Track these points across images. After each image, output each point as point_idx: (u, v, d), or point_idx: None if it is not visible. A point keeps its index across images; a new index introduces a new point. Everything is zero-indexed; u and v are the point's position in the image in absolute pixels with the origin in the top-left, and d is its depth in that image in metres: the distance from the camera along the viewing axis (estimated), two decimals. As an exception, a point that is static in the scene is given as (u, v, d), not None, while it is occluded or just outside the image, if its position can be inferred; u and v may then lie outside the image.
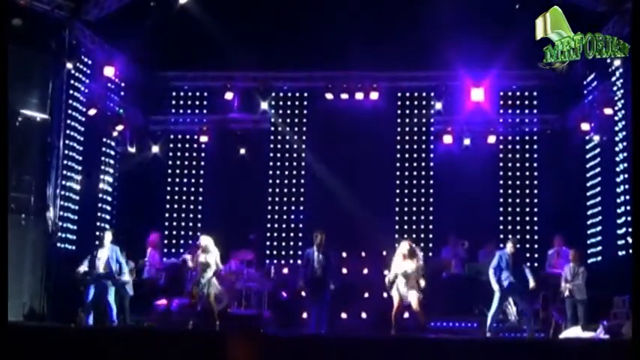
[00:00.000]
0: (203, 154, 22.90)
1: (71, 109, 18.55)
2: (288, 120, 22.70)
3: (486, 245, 18.86)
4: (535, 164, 21.84)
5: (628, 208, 16.69)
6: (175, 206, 22.67)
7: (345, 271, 19.18)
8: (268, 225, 22.18)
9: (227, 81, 21.86)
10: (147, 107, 22.24)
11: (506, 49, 18.98)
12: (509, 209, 21.67)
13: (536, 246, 20.82)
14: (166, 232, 22.22)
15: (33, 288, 16.83)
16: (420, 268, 15.06)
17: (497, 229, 21.13)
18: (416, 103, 22.37)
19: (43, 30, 17.37)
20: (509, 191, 21.80)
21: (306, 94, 22.75)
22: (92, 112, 19.16)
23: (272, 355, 11.15)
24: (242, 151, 22.16)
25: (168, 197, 22.63)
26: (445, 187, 21.57)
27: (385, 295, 15.80)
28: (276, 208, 22.34)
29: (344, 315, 18.44)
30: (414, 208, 21.91)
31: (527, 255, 20.36)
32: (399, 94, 22.39)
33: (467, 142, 21.43)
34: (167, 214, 22.55)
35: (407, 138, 22.25)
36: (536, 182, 21.74)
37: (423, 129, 22.28)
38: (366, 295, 18.88)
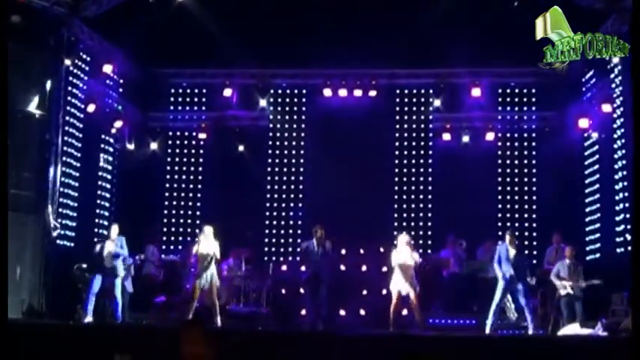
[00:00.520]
0: (202, 151, 22.88)
1: (70, 105, 18.54)
2: (287, 117, 22.69)
3: (485, 243, 18.86)
4: (533, 161, 21.85)
5: (626, 205, 16.70)
6: (174, 203, 22.66)
7: (343, 267, 19.19)
8: (267, 222, 22.17)
9: (226, 78, 21.86)
10: (145, 104, 22.24)
11: (505, 46, 18.99)
12: (508, 206, 21.68)
13: (534, 243, 20.83)
14: (165, 229, 22.22)
15: (32, 285, 16.85)
16: (416, 261, 15.25)
17: (496, 226, 21.11)
18: (414, 100, 22.36)
19: (41, 27, 17.35)
20: (508, 188, 21.81)
21: (304, 91, 22.74)
22: (91, 108, 19.14)
23: (271, 352, 11.17)
24: (241, 147, 22.17)
25: (166, 194, 22.62)
26: (444, 184, 21.59)
27: (384, 291, 15.82)
28: (275, 205, 22.33)
29: (342, 312, 18.45)
30: (413, 205, 21.92)
31: (526, 252, 20.34)
32: (398, 91, 22.38)
33: (465, 139, 21.46)
34: (166, 211, 22.54)
35: (405, 135, 22.25)
36: (534, 179, 21.74)
37: (422, 126, 22.27)
38: (365, 292, 18.89)
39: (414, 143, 22.21)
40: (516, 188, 21.79)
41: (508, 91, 22.08)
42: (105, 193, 20.54)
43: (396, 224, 21.66)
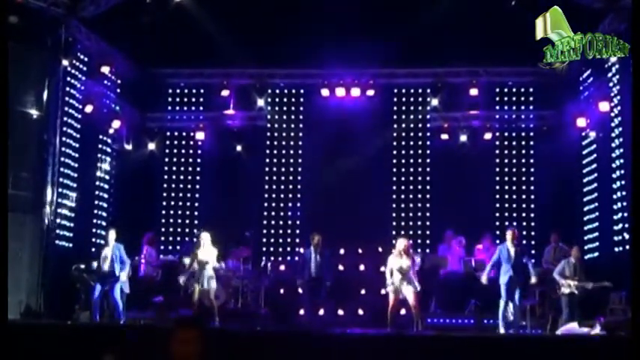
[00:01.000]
0: (199, 151, 22.88)
1: (67, 106, 18.54)
2: (285, 117, 22.69)
3: (483, 242, 18.86)
4: (531, 160, 21.87)
5: (624, 204, 16.71)
6: (172, 203, 22.66)
7: (341, 267, 19.19)
8: (265, 222, 22.17)
9: (223, 78, 21.85)
10: (143, 104, 22.22)
11: (503, 46, 19.00)
12: (506, 205, 21.69)
13: (532, 242, 20.82)
14: (163, 229, 22.20)
15: (30, 285, 16.85)
16: (415, 264, 15.26)
17: (494, 225, 21.12)
18: (412, 99, 22.36)
19: (39, 27, 17.36)
20: (506, 187, 21.83)
21: (302, 91, 22.75)
22: (88, 109, 19.12)
23: (269, 352, 11.16)
24: (238, 148, 22.16)
25: (164, 194, 22.62)
26: (442, 183, 21.59)
27: (383, 291, 15.82)
28: (273, 205, 22.33)
29: (340, 312, 18.45)
30: (411, 205, 21.92)
31: (524, 250, 20.34)
32: (396, 91, 22.39)
33: (463, 138, 21.48)
34: (163, 211, 22.53)
35: (403, 134, 22.26)
36: (532, 178, 21.76)
37: (420, 125, 22.29)
38: (363, 291, 18.89)
39: (411, 143, 22.23)
40: (514, 187, 21.81)
41: (506, 90, 22.10)
42: (103, 194, 20.53)
43: (394, 223, 21.67)
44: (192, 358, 5.62)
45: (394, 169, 22.10)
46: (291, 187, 22.40)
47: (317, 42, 19.59)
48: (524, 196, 21.72)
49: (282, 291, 19.01)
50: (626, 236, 16.34)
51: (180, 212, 22.62)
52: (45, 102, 17.69)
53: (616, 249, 17.07)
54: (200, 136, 22.27)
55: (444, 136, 21.59)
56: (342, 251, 19.55)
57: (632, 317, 11.35)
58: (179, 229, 22.44)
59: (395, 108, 22.36)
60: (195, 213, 22.56)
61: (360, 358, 11.06)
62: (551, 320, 16.13)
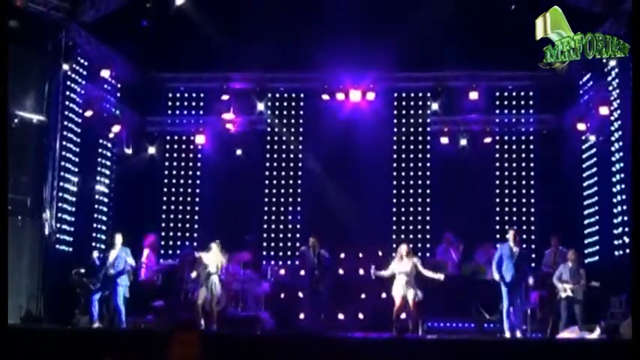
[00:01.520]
0: (199, 156, 22.87)
1: (67, 110, 18.54)
2: (285, 121, 22.69)
3: (483, 245, 18.84)
4: (531, 164, 21.86)
5: (624, 207, 16.71)
6: (172, 207, 22.65)
7: (341, 271, 19.18)
8: (265, 226, 22.16)
9: (223, 82, 21.84)
10: (143, 108, 22.21)
11: (503, 49, 19.02)
12: (506, 209, 21.68)
13: (533, 246, 20.78)
14: (163, 234, 22.17)
15: (30, 290, 16.83)
16: (417, 266, 15.36)
17: (494, 230, 21.12)
18: (412, 103, 22.37)
19: (39, 31, 17.37)
20: (506, 191, 21.82)
21: (302, 95, 22.75)
22: (88, 113, 19.13)
23: (270, 356, 11.16)
24: (238, 152, 22.13)
25: (164, 198, 22.60)
26: (442, 188, 21.58)
27: (383, 295, 15.83)
28: (273, 209, 22.32)
29: (341, 316, 18.44)
30: (411, 209, 21.91)
31: (526, 251, 20.33)
32: (396, 95, 22.40)
33: (463, 142, 21.46)
34: (164, 216, 22.51)
35: (403, 138, 22.26)
36: (532, 182, 21.76)
37: (420, 129, 22.28)
38: (363, 295, 18.88)
39: (412, 147, 22.22)
40: (514, 191, 21.80)
41: (506, 94, 22.11)
42: (103, 198, 20.52)
43: (394, 227, 21.67)
44: None
45: (394, 173, 22.09)
46: (291, 191, 22.38)
47: (317, 46, 19.63)
48: (524, 200, 21.71)
49: (282, 295, 18.99)
50: (627, 240, 16.34)
51: (180, 217, 22.60)
52: (45, 106, 17.69)
53: (616, 253, 17.06)
54: (200, 140, 22.25)
55: (444, 140, 21.57)
56: (342, 255, 19.53)
57: (632, 321, 11.34)
58: (179, 234, 22.42)
59: (395, 112, 22.36)
60: (196, 217, 22.54)
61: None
62: (552, 324, 16.12)
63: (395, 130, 22.29)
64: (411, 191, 22.01)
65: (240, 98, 22.05)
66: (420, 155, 22.16)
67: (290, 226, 22.14)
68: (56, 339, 12.16)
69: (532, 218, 21.53)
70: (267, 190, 22.39)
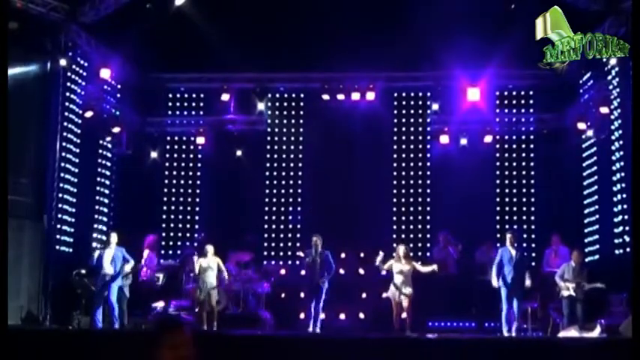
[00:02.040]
0: (200, 156, 22.87)
1: (67, 111, 18.55)
2: (285, 121, 22.68)
3: (483, 245, 18.83)
4: (532, 164, 21.85)
5: (625, 206, 16.72)
6: (172, 208, 22.64)
7: (342, 271, 19.18)
8: (265, 226, 22.14)
9: (223, 82, 21.83)
10: (143, 109, 22.19)
11: (503, 49, 19.00)
12: (506, 209, 21.68)
13: (533, 245, 20.80)
14: (163, 234, 22.17)
15: (30, 291, 16.84)
16: (415, 267, 15.52)
17: (494, 229, 21.12)
18: (412, 103, 22.37)
19: (38, 32, 17.38)
20: (506, 191, 21.82)
21: (302, 95, 22.74)
22: (88, 114, 19.13)
23: (271, 356, 11.16)
24: (239, 152, 22.14)
25: (165, 199, 22.60)
26: (442, 187, 21.55)
27: (384, 295, 15.84)
28: (274, 209, 22.31)
29: (342, 315, 18.44)
30: (411, 208, 21.90)
31: (525, 254, 20.33)
32: (396, 95, 22.38)
33: (464, 141, 21.44)
34: (164, 216, 22.51)
35: (404, 138, 22.25)
36: (532, 181, 21.75)
37: (420, 129, 22.27)
38: (364, 295, 18.89)
39: (412, 146, 22.21)
40: (514, 190, 21.80)
41: (506, 93, 22.11)
42: (103, 199, 20.53)
43: (394, 227, 21.65)
44: None
45: (394, 173, 22.08)
46: (291, 191, 22.38)
47: (317, 46, 19.63)
48: (524, 199, 21.71)
49: (283, 295, 19.00)
50: (627, 239, 16.35)
51: (180, 217, 22.60)
52: (45, 107, 17.70)
53: (616, 251, 17.06)
54: (200, 140, 22.26)
55: (444, 140, 21.56)
56: (342, 255, 19.53)
57: (632, 319, 11.34)
58: (180, 234, 22.43)
59: (395, 112, 22.35)
60: (196, 218, 22.55)
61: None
62: (552, 323, 16.13)
63: (395, 129, 22.28)
64: (411, 191, 22.00)
65: (240, 98, 22.06)
66: (420, 155, 22.15)
67: (290, 226, 22.14)
68: (57, 339, 12.16)
69: (532, 217, 21.52)
70: (267, 190, 22.38)
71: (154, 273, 18.68)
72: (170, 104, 22.96)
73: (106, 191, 20.70)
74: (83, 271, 16.85)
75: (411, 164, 22.12)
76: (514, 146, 22.00)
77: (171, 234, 22.42)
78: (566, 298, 15.61)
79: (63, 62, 17.87)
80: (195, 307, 16.08)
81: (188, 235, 22.27)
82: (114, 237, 16.08)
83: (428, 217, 21.77)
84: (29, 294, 16.80)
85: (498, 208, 21.66)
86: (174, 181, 22.81)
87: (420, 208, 21.87)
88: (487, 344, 12.44)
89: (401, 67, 21.19)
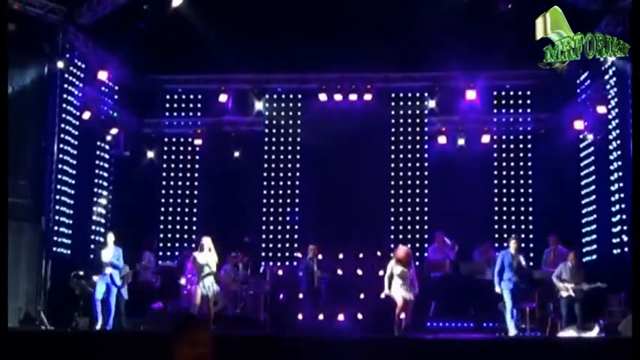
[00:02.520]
0: (197, 157, 22.88)
1: (65, 113, 18.53)
2: (283, 122, 22.68)
3: (481, 245, 18.85)
4: (529, 163, 21.89)
5: (622, 206, 16.73)
6: (170, 209, 22.64)
7: (340, 272, 19.20)
8: (263, 227, 22.15)
9: (221, 83, 21.85)
10: (141, 110, 22.19)
11: (500, 49, 19.02)
12: (504, 208, 21.71)
13: (531, 245, 20.80)
14: (161, 235, 22.19)
15: (28, 293, 16.83)
16: (414, 271, 15.49)
17: (492, 229, 21.16)
18: (410, 103, 22.38)
19: (36, 34, 17.37)
20: (504, 190, 21.85)
21: (300, 96, 22.75)
22: (86, 115, 19.12)
23: (269, 357, 11.16)
24: (236, 153, 22.14)
25: (162, 200, 22.59)
26: (439, 187, 21.57)
27: (382, 295, 15.84)
28: (271, 210, 22.31)
29: (341, 316, 18.44)
30: (409, 209, 21.90)
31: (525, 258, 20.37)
32: (393, 95, 22.38)
33: (461, 142, 21.46)
34: (162, 217, 22.51)
35: (401, 138, 22.26)
36: (530, 181, 21.78)
37: (417, 129, 22.29)
38: (362, 296, 18.89)
39: (409, 146, 22.22)
40: (512, 190, 21.83)
41: (503, 93, 22.14)
42: (101, 200, 20.51)
43: (392, 228, 21.65)
44: None
45: (392, 173, 22.08)
46: (289, 192, 22.38)
47: (314, 47, 19.62)
48: (522, 199, 21.74)
49: (281, 296, 19.00)
50: (625, 238, 16.36)
51: (178, 218, 22.60)
52: (43, 109, 17.69)
53: (614, 251, 17.07)
54: (198, 141, 22.29)
55: (442, 140, 21.59)
56: (340, 256, 19.55)
57: (632, 319, 11.35)
58: (178, 235, 22.42)
59: (392, 112, 22.35)
60: (194, 219, 22.55)
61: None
62: (551, 323, 16.15)
63: (392, 129, 22.29)
64: (409, 191, 21.99)
65: (238, 99, 22.06)
66: (417, 155, 22.16)
67: (288, 227, 22.14)
68: (55, 341, 12.16)
69: (530, 217, 21.55)
70: (265, 191, 22.38)
71: (152, 274, 18.68)
72: (167, 105, 22.98)
73: (104, 193, 20.69)
74: (81, 273, 16.85)
75: (409, 164, 22.13)
76: (511, 146, 22.03)
77: (169, 235, 22.41)
78: (565, 299, 15.64)
79: (60, 64, 17.85)
80: (192, 307, 15.89)
81: (186, 236, 22.27)
82: (111, 237, 16.10)
83: (425, 218, 21.77)
84: (27, 296, 16.79)
85: (496, 208, 21.69)
86: (172, 183, 22.81)
87: (417, 209, 21.88)
88: (486, 344, 12.45)
89: (398, 67, 21.21)
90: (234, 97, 21.96)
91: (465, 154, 21.40)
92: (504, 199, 21.78)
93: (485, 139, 21.48)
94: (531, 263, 18.87)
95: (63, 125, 18.37)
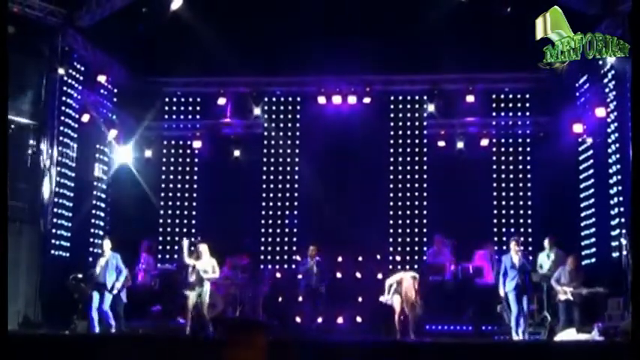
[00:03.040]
0: (196, 160, 22.86)
1: (64, 115, 18.53)
2: (281, 124, 22.69)
3: (483, 249, 18.80)
4: (528, 166, 21.89)
5: (621, 209, 16.71)
6: (169, 212, 22.61)
7: (339, 275, 19.20)
8: (262, 230, 22.14)
9: (220, 86, 21.85)
10: (140, 113, 22.11)
11: (499, 52, 19.04)
12: (503, 212, 21.70)
13: (530, 248, 20.78)
14: (160, 238, 22.17)
15: (27, 295, 16.81)
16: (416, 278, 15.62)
17: (491, 232, 21.14)
18: (409, 106, 22.38)
19: (35, 37, 17.37)
20: (503, 194, 21.83)
21: (298, 99, 22.74)
22: (85, 118, 19.12)
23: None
24: (235, 156, 22.10)
25: (161, 203, 22.56)
26: (439, 191, 21.58)
27: (381, 299, 15.85)
28: (270, 212, 22.32)
29: (339, 319, 18.45)
30: (408, 212, 21.90)
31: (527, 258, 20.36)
32: (392, 98, 22.38)
33: (460, 145, 21.44)
34: (161, 220, 22.49)
35: (400, 141, 22.26)
36: (529, 184, 21.78)
37: (416, 132, 22.29)
38: (360, 299, 18.89)
39: (408, 149, 22.22)
40: (511, 194, 21.81)
41: (502, 96, 22.12)
42: (100, 203, 20.50)
43: (391, 231, 21.66)
44: None
45: (391, 176, 22.08)
46: (288, 194, 22.38)
47: (313, 50, 19.64)
48: (521, 203, 21.73)
49: (280, 299, 19.00)
50: (623, 242, 16.34)
51: (177, 221, 22.58)
52: (42, 111, 17.69)
53: (613, 254, 17.05)
54: (197, 144, 22.28)
55: (441, 143, 21.59)
56: (339, 259, 19.55)
57: (632, 323, 11.34)
58: (177, 238, 22.37)
59: (391, 115, 22.36)
60: (193, 222, 22.54)
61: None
62: (549, 326, 16.14)
63: (391, 133, 22.29)
64: (408, 194, 21.99)
65: (237, 102, 22.05)
66: (416, 158, 22.18)
67: (287, 230, 22.14)
68: (54, 344, 12.15)
69: (529, 220, 21.55)
70: (264, 194, 22.40)
71: (151, 277, 18.67)
72: (167, 108, 22.95)
73: (103, 195, 20.68)
74: (80, 276, 16.83)
75: (408, 168, 22.13)
76: (510, 149, 22.03)
77: (168, 238, 22.39)
78: (563, 302, 15.64)
79: (59, 67, 17.85)
80: (187, 311, 15.76)
81: (185, 239, 22.16)
82: (107, 244, 15.99)
83: (424, 221, 21.77)
84: (26, 299, 16.77)
85: (495, 212, 21.68)
86: (171, 185, 22.80)
87: (416, 212, 21.88)
88: (484, 348, 12.44)
89: (397, 70, 21.18)
90: (233, 100, 21.95)
91: (464, 157, 21.39)
92: (503, 203, 21.77)
93: (485, 142, 21.49)
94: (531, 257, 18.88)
95: (62, 128, 18.36)
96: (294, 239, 21.83)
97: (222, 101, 21.69)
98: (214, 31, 19.29)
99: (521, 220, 21.56)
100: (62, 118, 18.41)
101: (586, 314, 15.47)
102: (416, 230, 21.76)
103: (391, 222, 21.80)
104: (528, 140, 22.04)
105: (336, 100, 21.39)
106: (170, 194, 22.73)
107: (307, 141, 22.35)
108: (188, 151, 22.86)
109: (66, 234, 18.41)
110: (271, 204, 22.36)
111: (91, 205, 19.99)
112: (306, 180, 22.06)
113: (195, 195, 22.73)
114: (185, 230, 22.41)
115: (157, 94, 22.57)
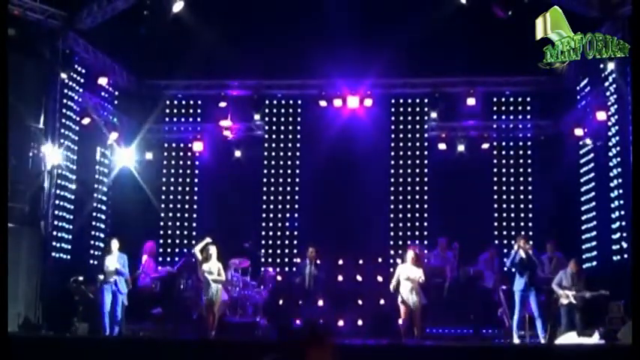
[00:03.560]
0: (197, 163, 22.87)
1: (65, 118, 18.53)
2: (282, 127, 22.71)
3: (486, 252, 18.74)
4: (529, 170, 21.88)
5: (622, 212, 16.71)
6: (170, 214, 22.62)
7: (340, 278, 19.19)
8: (263, 233, 22.15)
9: (221, 89, 21.86)
10: (140, 116, 22.13)
11: (500, 56, 19.04)
12: (504, 215, 21.70)
13: (530, 252, 20.76)
14: (161, 241, 22.16)
15: (28, 297, 16.81)
16: (422, 274, 15.38)
17: (492, 235, 21.13)
18: (410, 109, 22.40)
19: (36, 39, 17.40)
20: (504, 197, 21.83)
21: (299, 102, 22.76)
22: (86, 121, 19.12)
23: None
24: (236, 158, 22.10)
25: (162, 205, 22.56)
26: (440, 194, 21.58)
27: (382, 301, 15.84)
28: (271, 215, 22.33)
29: (340, 322, 18.43)
30: (409, 215, 21.91)
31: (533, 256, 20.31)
32: (393, 101, 22.40)
33: (461, 148, 21.41)
34: (162, 223, 22.49)
35: (401, 145, 22.26)
36: (530, 188, 21.77)
37: (417, 135, 22.29)
38: (361, 302, 18.88)
39: (409, 153, 22.22)
40: (512, 197, 21.81)
41: (503, 100, 22.11)
42: (100, 205, 20.51)
43: (392, 234, 21.66)
44: None
45: (392, 180, 22.08)
46: (288, 197, 22.38)
47: (314, 53, 19.64)
48: (522, 206, 21.73)
49: (280, 302, 18.99)
50: (624, 245, 16.34)
51: (178, 223, 22.59)
52: (43, 114, 17.69)
53: (614, 258, 17.05)
54: (198, 147, 22.27)
55: (442, 146, 21.56)
56: (340, 262, 19.54)
57: (632, 326, 11.34)
58: (177, 241, 22.39)
59: (393, 118, 22.37)
60: (194, 224, 22.55)
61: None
62: (550, 330, 16.12)
63: (392, 136, 22.30)
64: (409, 197, 22.00)
65: (238, 105, 22.04)
66: (417, 161, 22.18)
67: (288, 233, 22.15)
68: (54, 346, 12.15)
69: (530, 224, 21.54)
70: (265, 197, 22.41)
71: (152, 279, 18.66)
72: (167, 111, 22.96)
73: (104, 198, 20.68)
74: (81, 278, 16.81)
75: (409, 171, 22.13)
76: (511, 152, 22.02)
77: (169, 240, 22.40)
78: (565, 306, 15.61)
79: (61, 70, 17.87)
80: (196, 313, 15.83)
81: (185, 241, 22.23)
82: (115, 243, 16.01)
83: (425, 224, 21.77)
84: (27, 301, 16.77)
85: (496, 215, 21.68)
86: (172, 188, 22.80)
87: (417, 215, 21.89)
88: (485, 351, 12.44)
89: (398, 73, 21.19)
90: (234, 103, 21.94)
91: (465, 160, 21.37)
92: (504, 206, 21.77)
93: (485, 145, 21.48)
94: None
95: (63, 130, 18.35)
96: (295, 242, 21.83)
97: (223, 104, 21.66)
98: (215, 33, 19.27)
99: (522, 223, 21.55)
100: (63, 120, 18.41)
101: (587, 318, 15.44)
102: (417, 233, 21.75)
103: (392, 225, 21.80)
104: (529, 143, 22.04)
105: (337, 103, 21.36)
106: (171, 197, 22.74)
107: (308, 144, 22.36)
108: (189, 154, 22.87)
109: (67, 236, 18.41)
110: (272, 206, 22.37)
111: (91, 207, 19.99)
112: (307, 183, 22.07)
113: (195, 198, 22.74)
114: (186, 233, 22.42)
115: (158, 96, 22.59)
